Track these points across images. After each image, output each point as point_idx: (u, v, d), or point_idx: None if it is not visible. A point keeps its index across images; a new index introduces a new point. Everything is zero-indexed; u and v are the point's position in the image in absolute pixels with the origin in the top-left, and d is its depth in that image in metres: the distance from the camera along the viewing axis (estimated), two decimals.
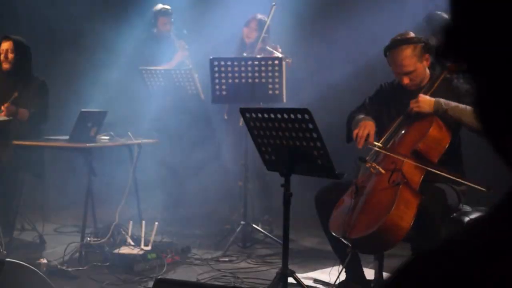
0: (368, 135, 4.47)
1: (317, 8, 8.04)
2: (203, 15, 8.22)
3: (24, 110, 6.41)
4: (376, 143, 4.44)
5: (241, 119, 6.46)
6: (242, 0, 7.84)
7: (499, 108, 0.81)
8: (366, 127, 4.51)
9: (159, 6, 7.68)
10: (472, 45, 0.82)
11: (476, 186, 4.18)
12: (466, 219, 4.37)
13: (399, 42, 4.53)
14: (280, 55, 6.47)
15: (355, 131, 4.51)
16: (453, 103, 4.36)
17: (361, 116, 4.68)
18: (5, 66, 6.60)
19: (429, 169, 4.25)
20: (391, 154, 4.37)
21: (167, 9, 7.66)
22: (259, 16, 6.98)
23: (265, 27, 6.75)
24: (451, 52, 0.85)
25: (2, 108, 6.28)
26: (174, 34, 7.62)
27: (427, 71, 4.60)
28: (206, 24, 7.98)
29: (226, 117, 6.97)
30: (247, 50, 6.85)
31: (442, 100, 4.37)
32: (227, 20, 7.59)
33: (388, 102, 4.73)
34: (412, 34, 4.56)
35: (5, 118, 6.21)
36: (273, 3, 6.72)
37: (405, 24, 6.44)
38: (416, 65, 4.51)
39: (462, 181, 4.26)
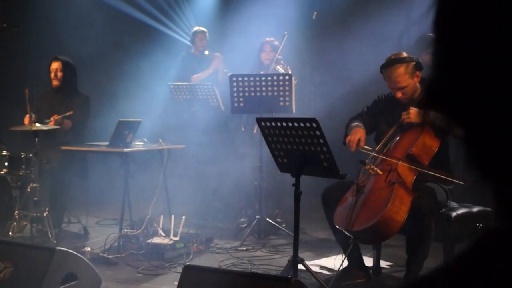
0: (359, 140, 4.45)
1: (320, 34, 8.07)
2: (222, 36, 8.26)
3: (68, 121, 6.43)
4: (366, 147, 4.41)
5: (256, 127, 6.51)
6: (255, 24, 7.88)
7: (485, 156, 0.79)
8: (357, 133, 4.51)
9: (196, 27, 7.88)
10: (453, 100, 0.80)
11: (455, 180, 4.20)
12: (453, 214, 4.33)
13: (393, 62, 4.51)
14: (282, 71, 6.49)
15: (348, 138, 4.52)
16: (439, 114, 4.31)
17: (355, 123, 4.68)
18: (55, 83, 6.63)
19: (418, 169, 4.22)
20: (385, 158, 4.34)
21: (203, 29, 7.81)
22: (268, 39, 7.00)
23: (279, 51, 6.77)
24: (435, 105, 0.85)
25: (52, 118, 6.28)
26: (208, 50, 7.70)
27: (418, 85, 4.58)
28: (225, 44, 8.00)
29: (243, 129, 6.94)
30: (263, 70, 6.84)
31: (430, 112, 4.32)
32: (243, 41, 7.62)
33: (384, 111, 4.72)
34: (404, 54, 4.55)
35: (53, 126, 6.21)
36: (286, 32, 6.76)
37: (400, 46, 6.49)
38: (408, 81, 4.50)
39: (444, 177, 4.23)
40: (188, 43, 8.29)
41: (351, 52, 7.86)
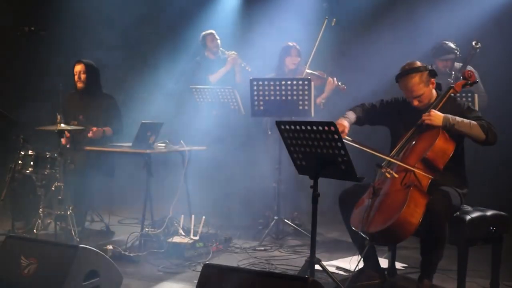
0: (343, 131, 4.52)
1: (345, 39, 8.09)
2: (243, 38, 8.30)
3: (108, 129, 6.55)
4: (347, 138, 4.41)
5: (268, 129, 6.59)
6: (277, 28, 7.91)
7: None
8: (341, 124, 4.59)
9: (203, 32, 7.86)
10: None
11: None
12: (467, 217, 4.33)
13: (407, 71, 4.54)
14: (310, 78, 6.45)
15: None
16: (459, 118, 4.35)
17: (348, 113, 4.81)
18: (79, 85, 6.71)
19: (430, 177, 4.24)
20: (398, 162, 4.34)
21: (210, 31, 7.81)
22: (292, 43, 7.00)
23: (317, 41, 6.72)
24: None
25: (91, 131, 6.40)
26: (221, 50, 7.73)
27: (434, 91, 4.60)
28: (246, 46, 8.02)
29: (269, 132, 6.96)
30: (289, 75, 6.83)
31: (450, 116, 4.36)
32: (264, 44, 7.63)
33: (402, 114, 4.72)
34: (418, 63, 4.57)
35: (78, 127, 6.29)
36: (326, 16, 6.79)
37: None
38: (423, 89, 4.52)
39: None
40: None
41: (373, 55, 7.85)
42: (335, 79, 6.74)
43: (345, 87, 6.75)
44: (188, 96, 7.31)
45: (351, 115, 4.79)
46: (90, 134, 6.42)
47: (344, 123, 4.64)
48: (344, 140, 4.07)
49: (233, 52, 7.62)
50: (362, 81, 7.54)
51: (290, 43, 7.03)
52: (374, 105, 4.89)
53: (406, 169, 4.30)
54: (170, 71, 8.35)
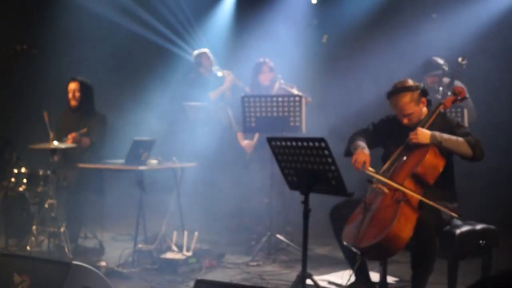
0: (364, 162, 4.47)
1: (329, 54, 8.13)
2: (233, 54, 8.33)
3: (86, 139, 6.48)
4: (370, 169, 4.42)
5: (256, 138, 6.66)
6: (267, 43, 7.94)
7: None
8: (363, 155, 4.51)
9: (196, 51, 7.84)
10: None
11: (451, 213, 4.26)
12: (457, 231, 4.35)
13: (398, 90, 4.54)
14: (297, 93, 6.48)
15: (354, 157, 4.52)
16: (446, 135, 4.36)
17: (360, 142, 4.68)
18: (73, 103, 6.70)
19: (418, 197, 4.25)
20: (389, 182, 4.34)
21: (204, 50, 7.78)
22: (262, 59, 7.01)
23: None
24: None
25: (69, 136, 6.35)
26: (216, 68, 7.70)
27: (424, 109, 4.61)
28: (236, 61, 8.05)
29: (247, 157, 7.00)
30: (264, 91, 6.85)
31: (437, 133, 4.37)
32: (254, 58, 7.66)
33: (391, 132, 4.73)
34: (410, 82, 4.56)
35: (71, 145, 6.27)
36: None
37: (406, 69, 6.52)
38: (413, 108, 4.53)
39: (441, 208, 4.26)
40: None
41: (363, 70, 7.90)
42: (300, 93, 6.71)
43: (310, 100, 6.75)
44: (181, 114, 7.32)
45: (364, 144, 4.70)
46: (69, 142, 6.34)
47: (366, 154, 4.55)
48: (369, 173, 4.14)
49: (228, 71, 7.59)
50: (351, 97, 7.59)
51: (261, 59, 7.03)
52: (369, 129, 4.87)
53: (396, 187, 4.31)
54: (162, 89, 8.35)
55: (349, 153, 4.73)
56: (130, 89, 8.92)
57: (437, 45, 7.34)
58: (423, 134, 4.39)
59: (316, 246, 6.73)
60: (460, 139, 4.35)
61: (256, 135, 6.86)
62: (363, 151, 4.56)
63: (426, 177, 4.31)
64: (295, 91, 6.75)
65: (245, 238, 6.93)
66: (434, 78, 6.70)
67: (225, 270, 5.80)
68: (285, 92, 6.73)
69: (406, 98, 4.50)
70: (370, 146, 4.71)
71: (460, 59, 6.42)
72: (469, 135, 4.41)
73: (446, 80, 6.69)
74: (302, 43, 8.10)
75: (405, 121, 4.57)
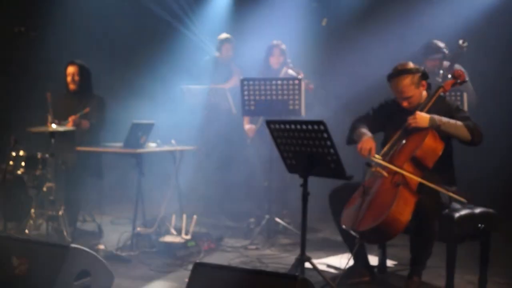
0: (370, 149, 4.46)
1: (329, 37, 8.08)
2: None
3: (86, 121, 6.46)
4: (376, 156, 4.42)
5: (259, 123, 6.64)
6: (267, 29, 7.89)
7: None
8: (368, 143, 4.51)
9: (224, 35, 7.75)
10: None
11: (458, 197, 4.27)
12: (456, 215, 4.34)
13: (399, 72, 4.52)
14: (300, 77, 6.45)
15: (359, 145, 4.52)
16: (445, 119, 4.35)
17: (363, 129, 4.68)
18: (72, 86, 6.66)
19: (420, 180, 4.24)
20: (390, 166, 4.33)
21: (231, 37, 7.72)
22: (276, 42, 6.97)
23: None
24: None
25: (69, 119, 6.32)
26: (233, 61, 7.65)
27: (424, 93, 4.59)
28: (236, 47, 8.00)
29: (249, 141, 6.98)
30: (273, 74, 6.82)
31: (436, 117, 4.35)
32: (255, 45, 7.61)
33: (391, 115, 4.71)
34: (411, 65, 4.54)
35: (70, 127, 6.24)
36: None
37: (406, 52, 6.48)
38: (414, 91, 4.52)
39: (447, 193, 4.26)
40: (207, 47, 8.20)
41: (363, 53, 7.85)
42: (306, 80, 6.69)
43: (312, 86, 6.73)
44: (180, 96, 7.30)
45: (367, 130, 4.69)
46: (69, 124, 6.31)
47: (372, 141, 4.55)
48: (375, 160, 4.13)
49: (239, 68, 7.55)
50: (351, 81, 7.56)
51: (275, 42, 6.99)
52: (369, 114, 4.86)
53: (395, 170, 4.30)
54: (162, 71, 8.30)
55: (352, 141, 4.72)
56: (130, 72, 8.84)
57: (438, 28, 7.28)
58: (422, 117, 4.37)
59: (315, 229, 6.73)
60: (459, 123, 4.34)
61: (260, 120, 6.83)
62: (368, 138, 4.55)
63: (426, 160, 4.30)
64: (293, 73, 6.74)
65: (244, 221, 6.93)
66: (435, 61, 6.66)
67: (223, 254, 5.80)
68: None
69: (407, 80, 4.48)
70: (371, 132, 4.69)
71: (460, 42, 6.38)
72: (468, 119, 4.40)
73: (446, 63, 6.66)
74: (301, 27, 8.04)
75: (405, 104, 4.55)
